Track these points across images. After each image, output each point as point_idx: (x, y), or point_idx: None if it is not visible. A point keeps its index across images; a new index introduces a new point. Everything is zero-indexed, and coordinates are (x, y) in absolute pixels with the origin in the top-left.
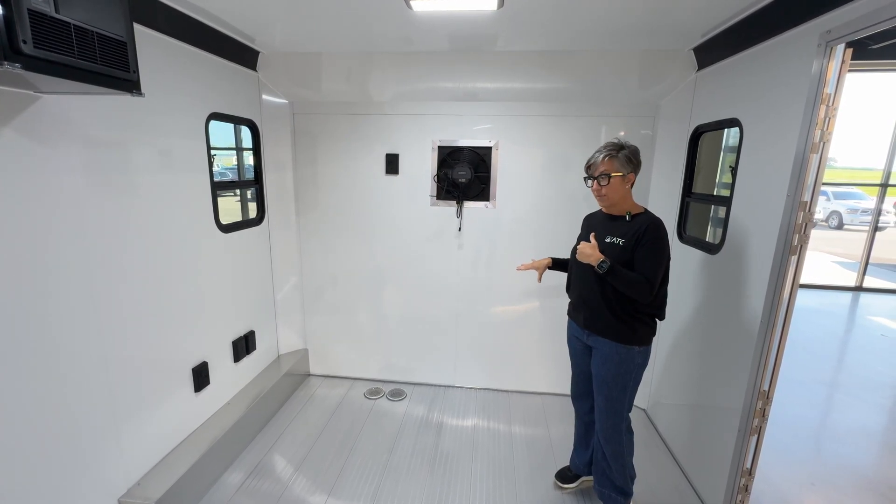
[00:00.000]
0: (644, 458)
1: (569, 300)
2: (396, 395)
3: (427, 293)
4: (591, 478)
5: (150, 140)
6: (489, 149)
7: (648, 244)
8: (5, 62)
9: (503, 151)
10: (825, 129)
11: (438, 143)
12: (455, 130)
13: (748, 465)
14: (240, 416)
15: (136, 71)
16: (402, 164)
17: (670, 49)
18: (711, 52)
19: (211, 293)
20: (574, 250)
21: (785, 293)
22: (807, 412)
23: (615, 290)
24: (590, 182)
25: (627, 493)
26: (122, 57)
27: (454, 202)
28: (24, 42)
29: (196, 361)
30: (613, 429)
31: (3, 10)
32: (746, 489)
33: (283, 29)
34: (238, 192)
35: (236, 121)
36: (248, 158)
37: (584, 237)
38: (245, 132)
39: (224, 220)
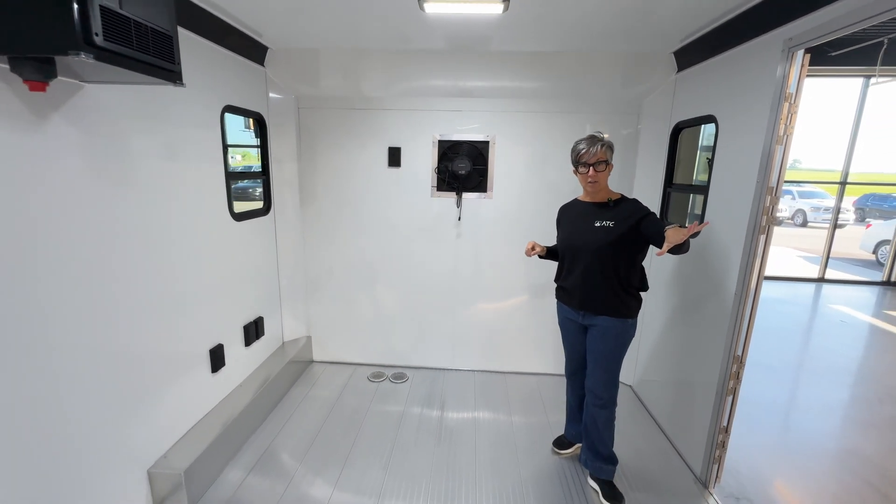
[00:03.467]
0: (632, 429)
1: (557, 286)
2: (399, 377)
3: (427, 280)
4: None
5: (174, 130)
6: (486, 143)
7: (650, 214)
8: (81, 53)
9: (499, 145)
10: (788, 123)
11: (439, 138)
12: (454, 125)
13: (725, 423)
14: (253, 395)
15: (179, 63)
16: (404, 157)
17: (652, 52)
18: (689, 55)
19: (225, 278)
20: (559, 241)
21: (755, 268)
22: (776, 391)
23: (615, 272)
24: (583, 169)
25: (615, 461)
26: (168, 49)
27: (453, 193)
28: (97, 35)
29: (212, 343)
30: (611, 398)
31: (78, 5)
32: (723, 445)
33: (293, 26)
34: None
35: (246, 114)
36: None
37: (567, 226)
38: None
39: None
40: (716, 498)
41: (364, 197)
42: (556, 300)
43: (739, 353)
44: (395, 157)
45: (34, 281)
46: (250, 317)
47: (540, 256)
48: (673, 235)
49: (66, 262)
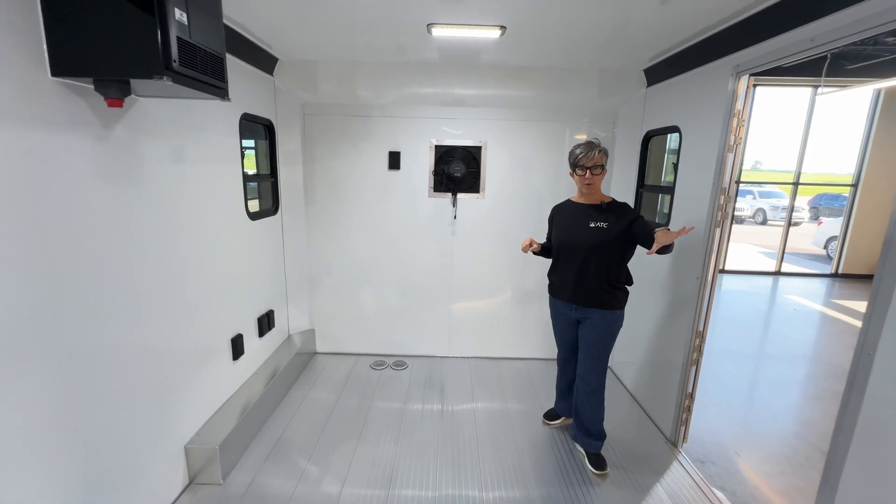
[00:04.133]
0: (611, 403)
1: (550, 282)
2: (399, 365)
3: (424, 275)
4: (569, 419)
5: (203, 137)
6: (479, 148)
7: (640, 218)
8: (164, 77)
9: (491, 150)
10: (737, 134)
11: (435, 143)
12: (450, 131)
13: (689, 389)
14: (268, 381)
15: (227, 81)
16: (404, 160)
17: (626, 69)
18: (657, 73)
19: (243, 273)
20: (553, 239)
21: (713, 256)
22: (739, 372)
23: (606, 269)
24: (581, 172)
25: (603, 436)
26: (220, 70)
27: (449, 194)
28: (175, 61)
29: (233, 333)
30: (600, 383)
31: (161, 37)
32: (689, 409)
33: (301, 38)
34: None
35: (258, 121)
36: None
37: (561, 225)
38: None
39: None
40: (684, 455)
41: (365, 197)
42: (548, 294)
43: (701, 328)
44: (395, 160)
45: (96, 280)
46: (263, 309)
47: (534, 253)
48: (662, 237)
49: (121, 262)
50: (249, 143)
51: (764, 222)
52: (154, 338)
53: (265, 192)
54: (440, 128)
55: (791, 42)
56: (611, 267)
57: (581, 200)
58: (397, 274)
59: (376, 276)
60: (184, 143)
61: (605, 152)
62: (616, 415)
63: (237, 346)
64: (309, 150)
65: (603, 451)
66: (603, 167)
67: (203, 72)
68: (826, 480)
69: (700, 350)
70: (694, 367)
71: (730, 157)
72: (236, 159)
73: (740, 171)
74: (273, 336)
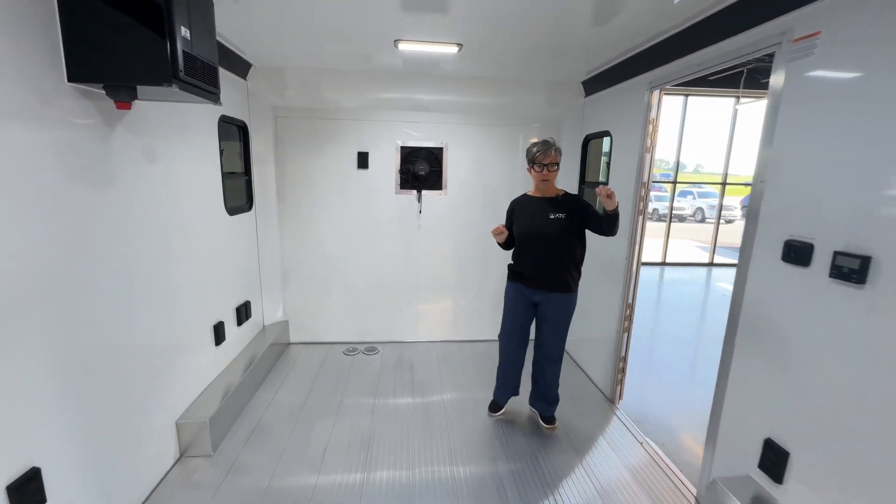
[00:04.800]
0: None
1: (513, 270)
2: (371, 350)
3: (392, 266)
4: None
5: (188, 137)
6: (441, 149)
7: (590, 206)
8: (173, 84)
9: (452, 151)
10: (652, 138)
11: (401, 144)
12: (414, 134)
13: (623, 353)
14: (247, 366)
15: (220, 87)
16: (371, 160)
17: (567, 80)
18: (592, 85)
19: (223, 264)
20: (516, 232)
21: (637, 239)
22: (674, 349)
23: (570, 255)
24: (538, 168)
25: (558, 401)
26: (215, 78)
27: (414, 191)
28: (181, 71)
29: (215, 320)
30: (560, 355)
31: (170, 50)
32: (623, 370)
33: (274, 46)
34: None
35: (233, 122)
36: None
37: (523, 218)
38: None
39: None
40: (621, 411)
41: (336, 195)
42: (508, 281)
43: (630, 300)
44: (363, 160)
45: (101, 271)
46: (240, 300)
47: (498, 244)
48: (609, 204)
49: (121, 254)
50: None
51: (702, 220)
52: (146, 324)
53: (239, 189)
54: (405, 130)
55: (685, 65)
56: (574, 252)
57: (537, 195)
58: (367, 266)
59: (346, 268)
60: (172, 143)
61: (559, 151)
62: (566, 382)
63: (219, 333)
64: (281, 150)
65: None
66: (558, 164)
67: (202, 79)
68: (718, 385)
69: (630, 319)
70: (626, 334)
71: (647, 157)
72: (215, 157)
73: (676, 169)
74: (250, 326)
